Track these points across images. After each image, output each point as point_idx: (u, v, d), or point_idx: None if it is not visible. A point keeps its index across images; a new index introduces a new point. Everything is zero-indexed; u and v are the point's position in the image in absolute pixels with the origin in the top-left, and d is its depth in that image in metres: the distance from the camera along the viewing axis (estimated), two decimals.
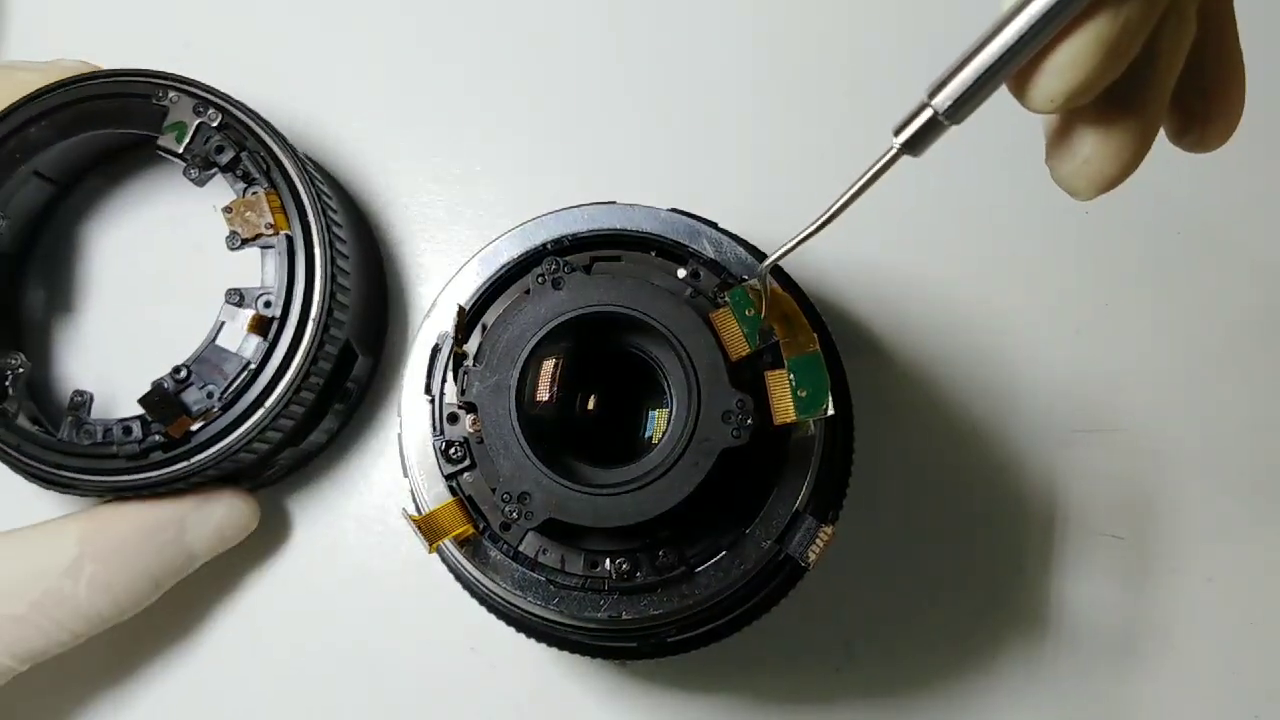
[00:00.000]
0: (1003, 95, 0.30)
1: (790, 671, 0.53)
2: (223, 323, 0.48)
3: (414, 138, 0.57)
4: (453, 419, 0.41)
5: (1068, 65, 0.30)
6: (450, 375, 0.41)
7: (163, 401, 0.47)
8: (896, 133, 0.31)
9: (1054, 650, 0.53)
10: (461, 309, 0.40)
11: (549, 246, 0.42)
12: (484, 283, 0.42)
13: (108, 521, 0.49)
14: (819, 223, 0.34)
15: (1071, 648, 0.54)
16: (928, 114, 0.31)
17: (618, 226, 0.43)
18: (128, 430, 0.48)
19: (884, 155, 0.32)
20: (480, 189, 0.57)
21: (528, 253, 0.42)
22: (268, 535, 0.55)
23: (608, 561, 0.40)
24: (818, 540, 0.39)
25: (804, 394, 0.38)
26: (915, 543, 0.54)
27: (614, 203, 0.44)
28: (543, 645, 0.46)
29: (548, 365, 0.40)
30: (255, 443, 0.48)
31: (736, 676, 0.53)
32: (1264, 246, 0.56)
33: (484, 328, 0.42)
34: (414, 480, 0.42)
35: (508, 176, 0.57)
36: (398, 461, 0.43)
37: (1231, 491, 0.54)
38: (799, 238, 0.35)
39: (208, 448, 0.48)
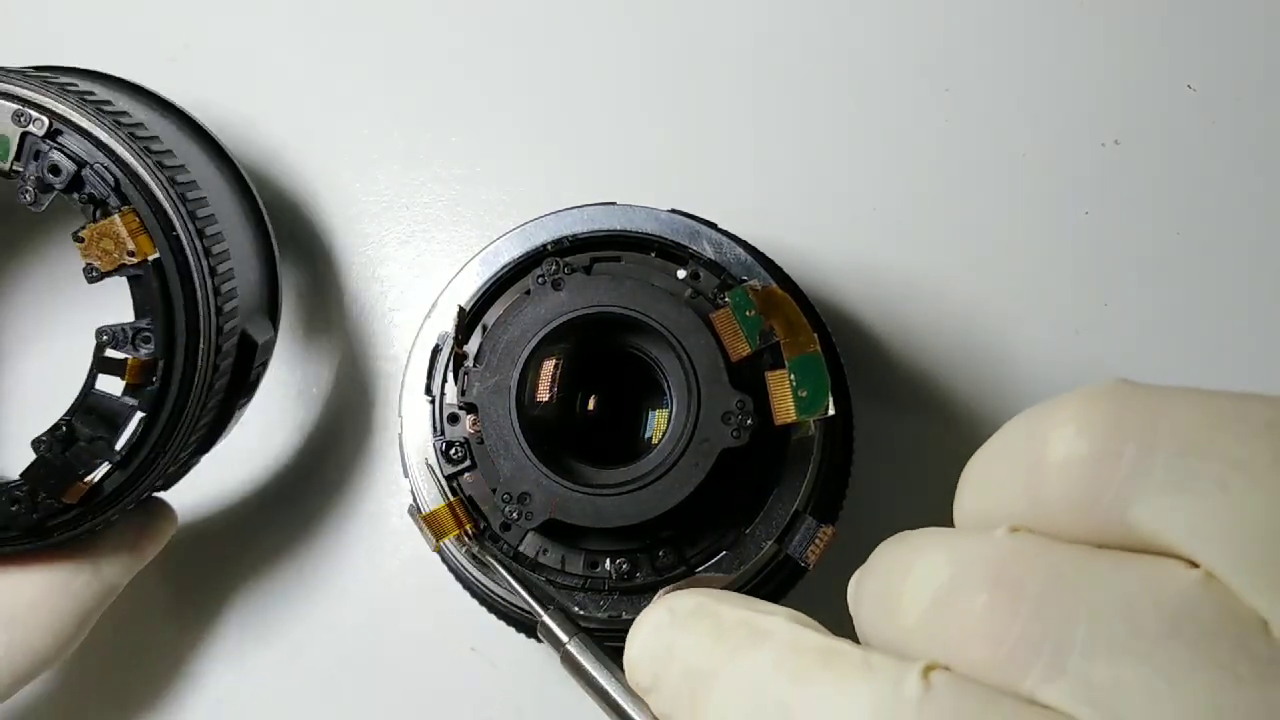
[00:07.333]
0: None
1: None
2: (98, 369, 0.42)
3: (415, 138, 0.57)
4: (453, 419, 0.41)
5: None
6: (450, 376, 0.41)
7: (48, 471, 0.41)
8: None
9: None
10: (462, 309, 0.40)
11: (549, 247, 0.42)
12: (484, 283, 0.42)
13: (16, 587, 0.45)
14: None
15: None
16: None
17: (618, 227, 0.43)
18: (15, 501, 0.42)
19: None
20: (480, 189, 0.57)
21: (528, 253, 0.42)
22: (265, 534, 0.55)
23: (608, 561, 0.40)
24: (817, 540, 0.40)
25: (804, 394, 0.38)
26: None
27: (614, 203, 0.44)
28: (543, 645, 0.46)
29: (548, 366, 0.40)
30: (164, 474, 0.43)
31: None
32: (1265, 247, 0.56)
33: (484, 328, 0.42)
34: (414, 480, 0.42)
35: (508, 176, 0.57)
36: (398, 461, 0.43)
37: None
38: None
39: (116, 500, 0.43)
